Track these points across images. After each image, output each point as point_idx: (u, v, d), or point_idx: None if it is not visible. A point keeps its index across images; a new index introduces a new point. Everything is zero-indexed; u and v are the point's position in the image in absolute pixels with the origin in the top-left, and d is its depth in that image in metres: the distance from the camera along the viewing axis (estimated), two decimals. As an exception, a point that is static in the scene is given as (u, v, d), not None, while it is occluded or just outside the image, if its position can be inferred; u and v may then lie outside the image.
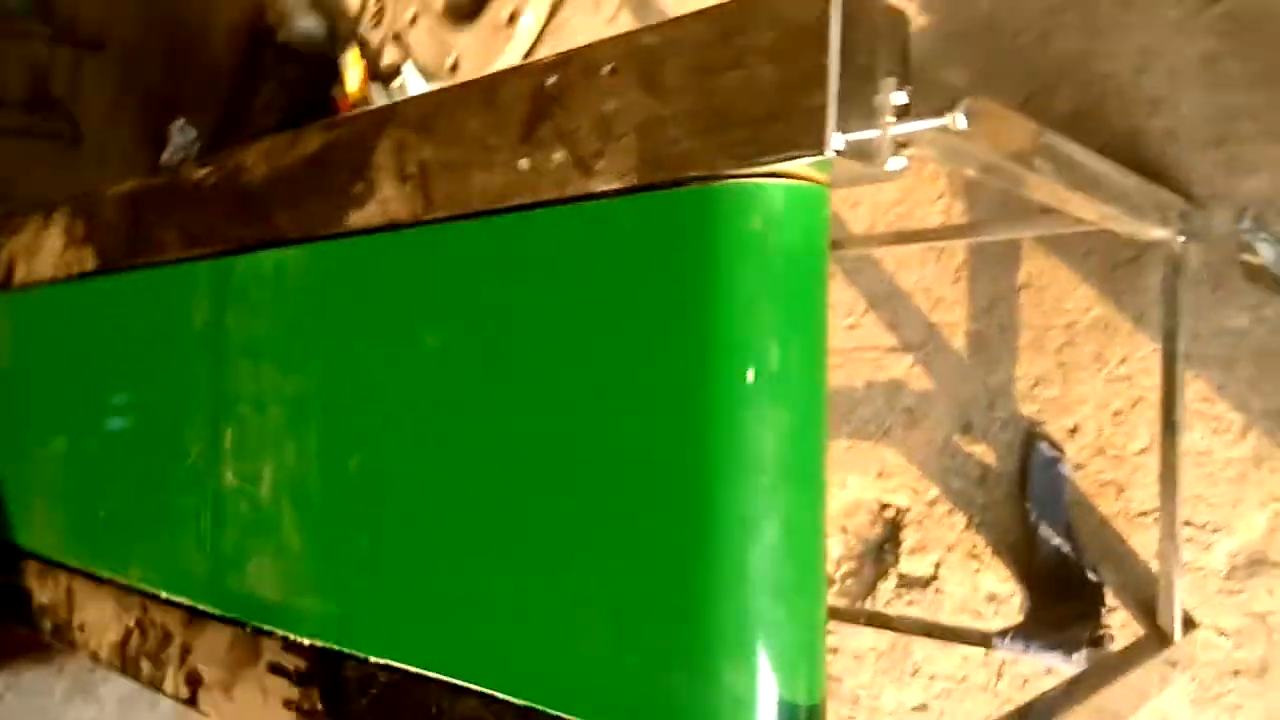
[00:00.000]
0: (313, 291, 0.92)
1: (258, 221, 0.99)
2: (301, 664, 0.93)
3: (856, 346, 1.63)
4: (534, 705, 0.73)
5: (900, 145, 0.62)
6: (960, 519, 1.52)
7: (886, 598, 1.60)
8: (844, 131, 0.58)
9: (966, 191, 1.52)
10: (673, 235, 0.65)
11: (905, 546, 1.58)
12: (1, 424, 1.48)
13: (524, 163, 0.74)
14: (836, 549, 1.66)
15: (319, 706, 0.91)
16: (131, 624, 1.16)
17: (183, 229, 1.10)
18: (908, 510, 1.58)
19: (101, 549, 1.21)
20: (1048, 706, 0.97)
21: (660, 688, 0.66)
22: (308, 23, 2.70)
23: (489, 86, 0.76)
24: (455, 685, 0.79)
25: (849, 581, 1.64)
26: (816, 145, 0.58)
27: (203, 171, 1.08)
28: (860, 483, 1.62)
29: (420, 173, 0.82)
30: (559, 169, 0.71)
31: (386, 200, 0.86)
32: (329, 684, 0.91)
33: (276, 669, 0.96)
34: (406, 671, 0.83)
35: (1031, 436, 1.44)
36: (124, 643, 1.18)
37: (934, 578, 1.55)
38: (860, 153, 0.60)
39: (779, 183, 0.62)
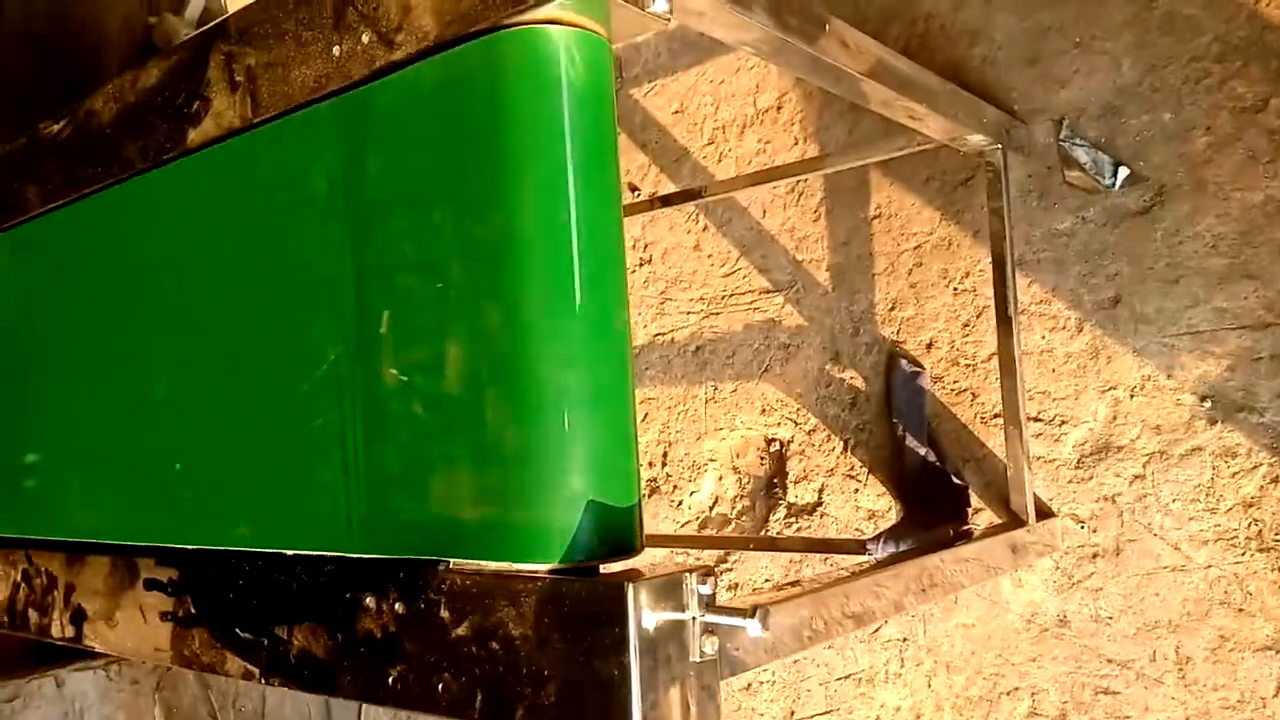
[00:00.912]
0: (164, 213, 0.96)
1: (108, 158, 1.03)
2: (174, 574, 0.96)
3: (733, 293, 1.70)
4: (377, 555, 0.77)
5: (659, -12, 0.69)
6: (837, 444, 1.59)
7: (778, 529, 1.66)
8: (601, -29, 0.65)
9: (818, 135, 1.61)
10: (469, 83, 0.70)
11: (791, 477, 1.64)
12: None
13: (336, 50, 0.79)
14: (730, 489, 1.72)
15: (193, 610, 0.94)
16: (18, 577, 1.17)
17: (42, 184, 1.13)
18: (790, 442, 1.64)
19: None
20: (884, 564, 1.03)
21: (486, 516, 0.71)
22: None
23: (303, -14, 0.82)
24: (311, 557, 0.83)
25: (744, 519, 1.70)
26: (578, -18, 0.64)
27: (57, 125, 1.12)
28: (747, 421, 1.69)
29: (247, 79, 0.87)
30: (366, 49, 0.77)
31: (220, 113, 0.90)
32: (200, 586, 0.93)
33: (151, 584, 0.98)
34: (267, 554, 0.87)
35: (893, 356, 1.52)
36: (11, 599, 1.18)
37: (819, 503, 1.61)
38: (621, -8, 0.66)
39: (559, 29, 0.69)
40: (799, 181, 1.61)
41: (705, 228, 1.75)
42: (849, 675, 1.58)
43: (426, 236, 0.72)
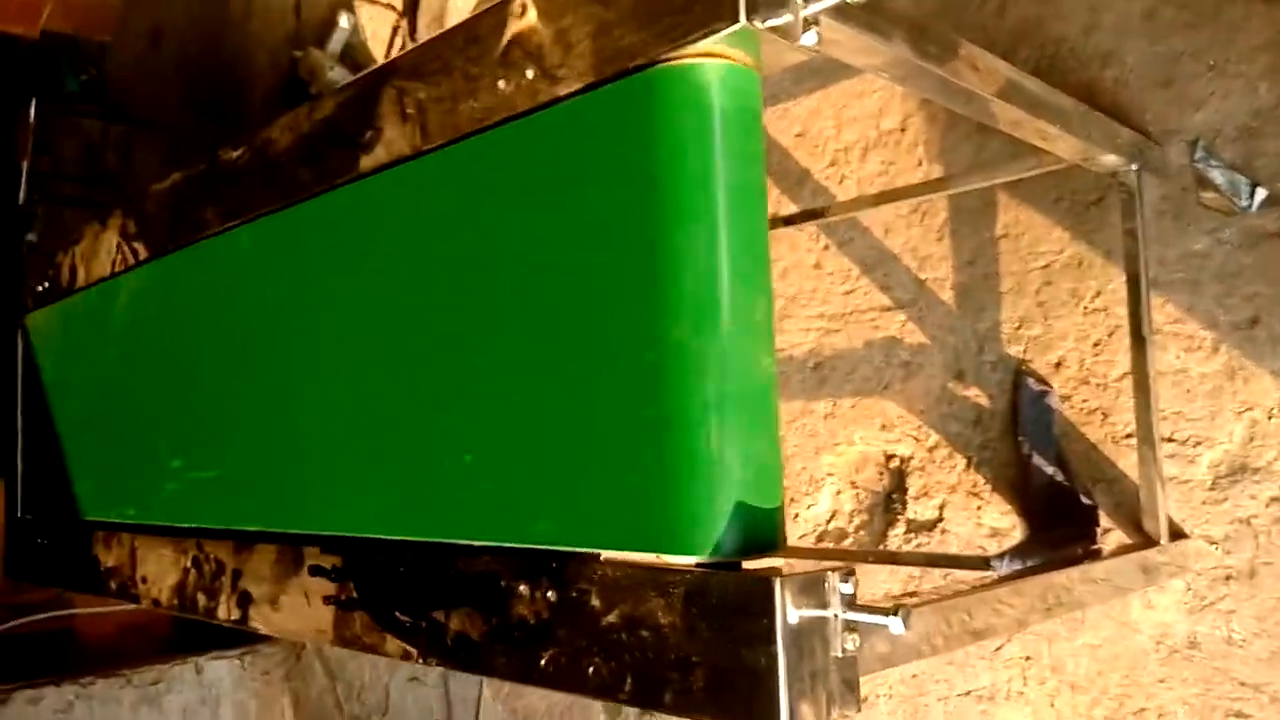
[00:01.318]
0: (337, 232, 1.05)
1: (285, 182, 1.13)
2: (338, 561, 1.05)
3: (853, 310, 1.72)
4: (534, 546, 0.83)
5: (810, 23, 0.74)
6: (960, 461, 1.59)
7: (896, 545, 1.67)
8: (752, 10, 0.70)
9: (943, 156, 1.63)
10: (626, 117, 0.77)
11: (911, 493, 1.66)
12: (66, 413, 1.63)
13: (502, 84, 0.87)
14: (847, 504, 1.74)
15: (355, 595, 1.02)
16: (188, 564, 1.28)
17: (220, 205, 1.25)
18: (911, 458, 1.65)
19: (164, 502, 1.34)
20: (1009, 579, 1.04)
21: (640, 512, 0.76)
22: (336, 74, 2.90)
23: (469, 26, 0.90)
24: (468, 546, 0.90)
25: (861, 534, 1.72)
26: (732, 18, 0.70)
27: (235, 153, 1.23)
28: (865, 436, 1.71)
29: (418, 110, 0.96)
30: (530, 84, 0.84)
31: (391, 141, 0.99)
32: (362, 572, 1.01)
33: (316, 570, 1.07)
34: (426, 544, 0.94)
35: (1019, 375, 1.52)
36: (182, 584, 1.30)
37: (939, 520, 1.62)
38: (773, 27, 0.71)
39: (712, 62, 0.74)
40: (922, 202, 1.63)
41: (826, 246, 1.78)
42: (969, 692, 1.58)
43: (584, 254, 0.79)
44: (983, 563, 1.41)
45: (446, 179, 0.92)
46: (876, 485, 1.70)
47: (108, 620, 3.19)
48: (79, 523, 1.56)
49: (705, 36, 0.71)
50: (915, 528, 1.65)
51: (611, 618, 0.77)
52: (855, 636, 0.71)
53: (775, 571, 0.69)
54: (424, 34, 2.64)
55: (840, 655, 0.71)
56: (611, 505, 0.77)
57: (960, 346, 1.59)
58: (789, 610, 0.68)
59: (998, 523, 1.55)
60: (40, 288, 1.72)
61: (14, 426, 1.82)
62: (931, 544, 1.63)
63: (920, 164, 1.65)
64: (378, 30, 2.86)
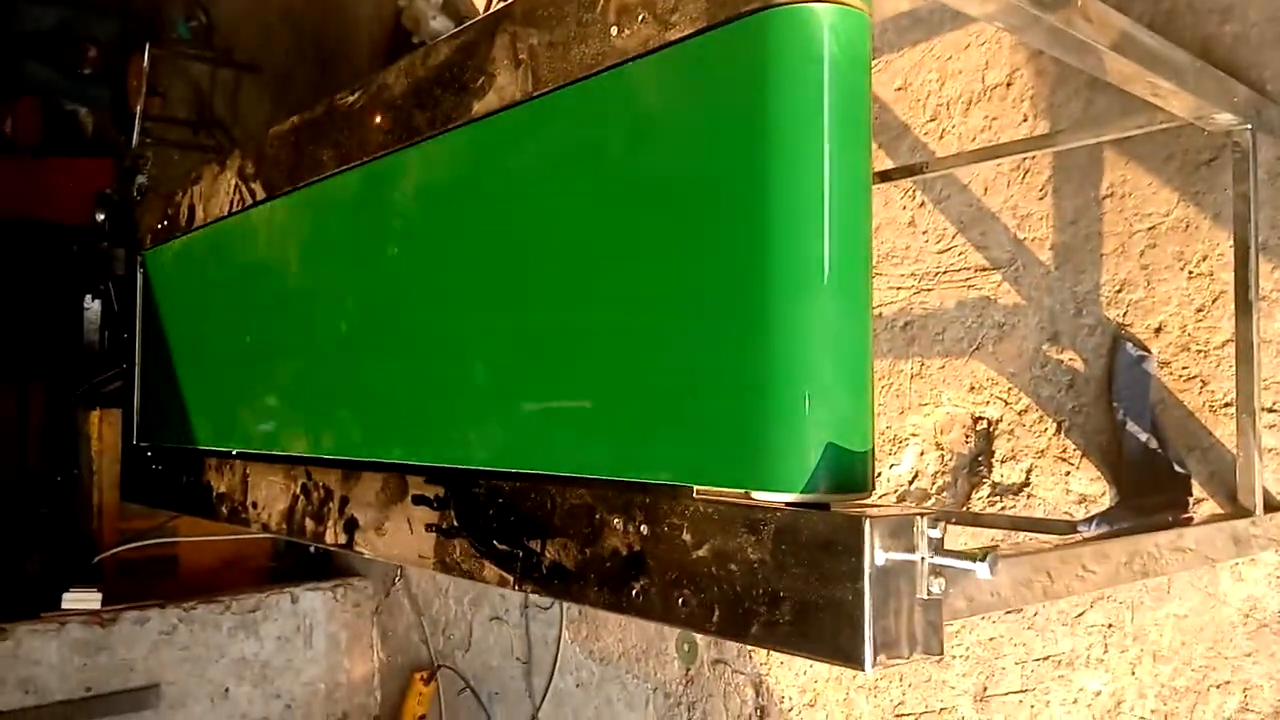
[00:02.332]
0: (449, 175, 1.09)
1: (399, 127, 1.17)
2: (440, 490, 1.10)
3: (946, 269, 1.71)
4: (627, 478, 0.87)
5: (922, -29, 0.74)
6: (1050, 425, 1.58)
7: (980, 507, 1.66)
8: (868, -45, 0.70)
9: (1050, 112, 1.59)
10: (737, 60, 0.78)
11: (997, 456, 1.65)
12: (181, 346, 1.73)
13: (614, 30, 0.88)
14: (931, 465, 1.74)
15: (455, 523, 1.07)
16: (297, 490, 1.36)
17: (337, 148, 1.29)
18: (999, 421, 1.64)
19: (274, 432, 1.41)
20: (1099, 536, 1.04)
21: (734, 450, 0.79)
22: (439, 24, 2.94)
23: (584, -27, 0.91)
24: (564, 478, 0.94)
25: (944, 496, 1.72)
26: (845, -36, 0.70)
27: (352, 97, 1.27)
28: (953, 398, 1.70)
29: (530, 57, 0.98)
30: (642, 29, 0.86)
31: (503, 86, 1.02)
32: (463, 502, 1.06)
33: (419, 500, 1.12)
34: (524, 475, 0.98)
35: (1118, 339, 1.49)
36: (291, 509, 1.37)
37: (1026, 484, 1.61)
38: (884, -26, 0.72)
39: (824, 6, 0.75)
40: (1025, 159, 1.60)
41: (921, 204, 1.76)
42: (1048, 656, 1.58)
43: (692, 198, 0.81)
44: (1069, 527, 1.41)
45: (556, 123, 0.95)
46: (962, 447, 1.70)
47: (209, 549, 3.37)
48: (192, 451, 1.65)
49: (819, -17, 0.72)
50: (1000, 491, 1.64)
51: (702, 552, 0.80)
52: (941, 581, 0.73)
53: (864, 512, 0.71)
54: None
55: (925, 598, 0.73)
56: (707, 443, 0.80)
57: (1057, 308, 1.57)
58: (876, 551, 0.70)
59: (1087, 489, 1.54)
60: (159, 225, 1.81)
61: (131, 359, 1.92)
62: (1017, 508, 1.62)
63: (1025, 119, 1.61)
64: (478, -19, 2.89)
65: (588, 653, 2.53)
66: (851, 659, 0.69)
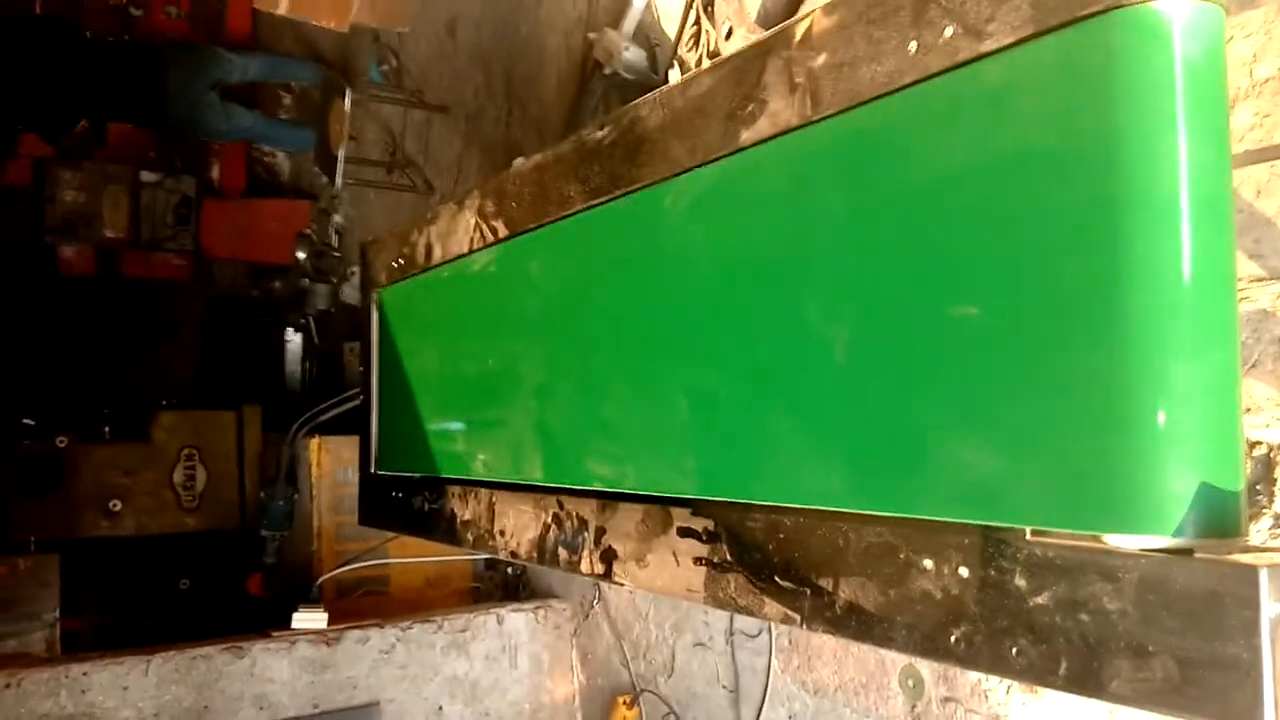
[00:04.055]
0: (715, 205, 1.07)
1: (655, 160, 1.17)
2: (710, 524, 1.08)
3: (1212, 280, 1.57)
4: (948, 519, 0.82)
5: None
6: (1347, 449, 1.42)
7: (1261, 540, 1.51)
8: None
9: (1334, 105, 1.44)
10: (1077, 68, 0.72)
11: (1281, 484, 1.50)
12: (419, 379, 1.79)
13: (912, 45, 0.84)
14: (1200, 492, 1.60)
15: (729, 558, 1.05)
16: (549, 520, 1.37)
17: (586, 183, 1.31)
18: (1282, 445, 1.49)
19: (524, 463, 1.44)
20: None
21: (1081, 488, 0.73)
22: (631, 54, 2.97)
23: (874, -11, 0.88)
24: (854, 515, 0.90)
25: (1216, 525, 1.58)
26: (1215, -45, 0.64)
27: (601, 132, 1.28)
28: (1224, 420, 1.56)
29: (808, 79, 0.95)
30: (949, 42, 0.81)
31: (776, 113, 0.99)
32: (736, 537, 1.04)
33: (686, 532, 1.11)
34: (810, 511, 0.95)
35: None
36: (542, 538, 1.39)
37: (1318, 514, 1.45)
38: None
39: (1177, 2, 0.68)
40: (1307, 158, 1.46)
41: (1179, 211, 1.63)
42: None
43: (1024, 215, 0.75)
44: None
45: (842, 147, 0.92)
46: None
47: (417, 571, 3.50)
48: (433, 479, 1.71)
49: (1179, -20, 0.66)
50: (1286, 521, 1.49)
51: (1040, 599, 0.74)
52: (1338, 636, 0.65)
53: (1258, 560, 0.64)
54: (720, 8, 2.65)
55: (1324, 654, 0.65)
56: (1047, 480, 0.74)
57: (1351, 321, 1.42)
58: (1270, 603, 0.63)
59: (1397, 520, 1.37)
60: (395, 264, 1.88)
61: (368, 391, 2.01)
62: (1306, 540, 1.47)
63: (1304, 116, 1.47)
64: (670, 7, 2.91)
65: (800, 684, 2.47)
66: (1248, 723, 0.62)
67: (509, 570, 3.58)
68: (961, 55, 0.80)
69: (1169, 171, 0.68)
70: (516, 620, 3.23)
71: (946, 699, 2.05)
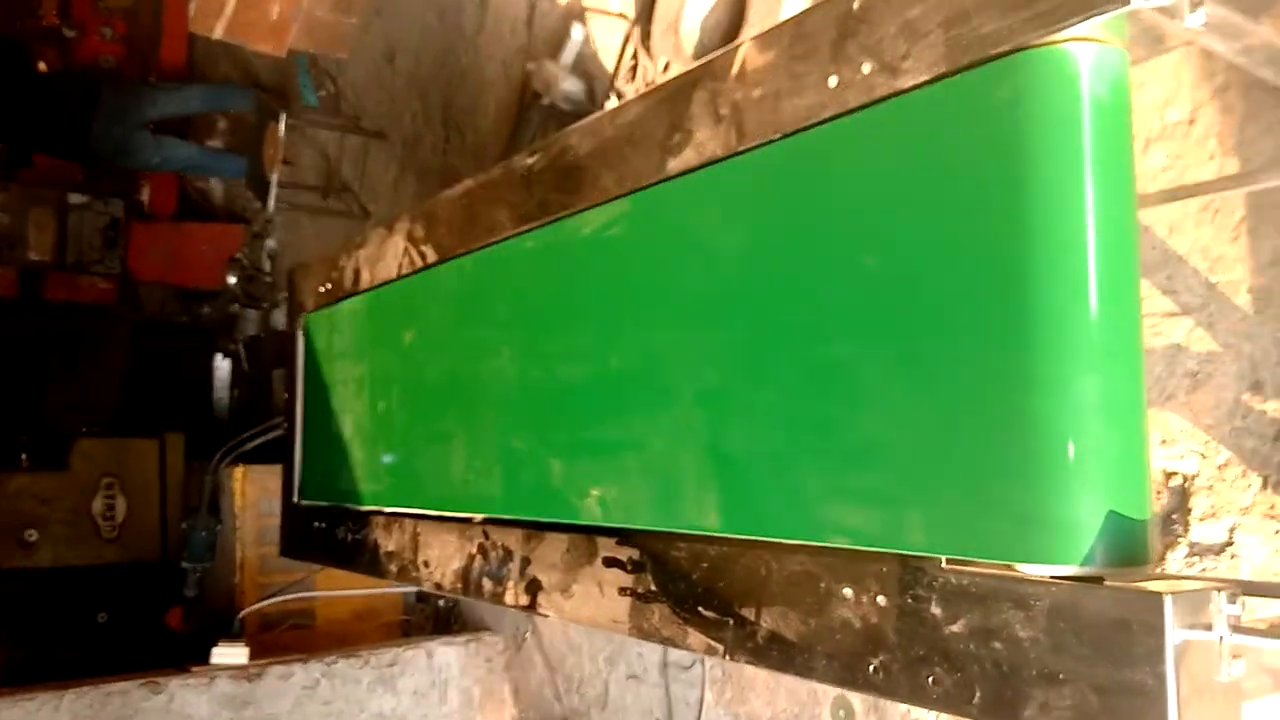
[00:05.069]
0: (642, 231, 1.08)
1: (585, 188, 1.16)
2: (635, 553, 1.07)
3: (1128, 315, 1.62)
4: (860, 547, 0.82)
5: (1197, 3, 0.69)
6: (1255, 480, 1.47)
7: (1177, 569, 1.55)
8: (1139, -10, 0.66)
9: (1239, 150, 1.50)
10: (986, 106, 0.74)
11: (1195, 514, 1.54)
12: (344, 407, 1.75)
13: (832, 80, 0.86)
14: (1118, 522, 1.63)
15: (652, 588, 1.04)
16: (474, 550, 1.34)
17: (514, 209, 1.30)
18: (1195, 476, 1.54)
19: (447, 494, 1.41)
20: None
21: (993, 518, 0.73)
22: (569, 85, 2.98)
23: (796, 24, 0.89)
24: (776, 544, 0.89)
25: (1134, 555, 1.61)
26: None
27: (531, 159, 1.28)
28: (1140, 451, 1.60)
29: (733, 111, 0.96)
30: (866, 79, 0.83)
31: (702, 143, 1.00)
32: (661, 567, 1.03)
33: (611, 562, 1.10)
34: (733, 540, 0.94)
35: (1333, 387, 1.38)
36: (466, 569, 1.36)
37: (1229, 543, 1.49)
38: (1160, 8, 0.67)
39: (1081, 45, 0.71)
40: (1214, 199, 1.51)
41: (1097, 247, 1.68)
42: (1263, 733, 1.45)
43: (936, 248, 0.77)
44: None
45: (765, 178, 0.92)
46: (1154, 505, 1.59)
47: (344, 604, 3.41)
48: (357, 510, 1.67)
49: (1084, 19, 0.68)
50: (1200, 550, 1.53)
51: (955, 627, 0.75)
52: (1242, 662, 0.66)
53: (1162, 587, 0.65)
54: (658, 42, 2.68)
55: (1225, 680, 0.66)
56: (962, 511, 0.75)
57: (1259, 355, 1.47)
58: (1175, 630, 0.64)
59: (1303, 549, 1.42)
60: (322, 289, 1.85)
61: (292, 419, 1.97)
62: (1218, 569, 1.51)
63: (1212, 158, 1.53)
64: (608, 40, 2.93)
65: (733, 715, 2.46)
66: (1156, 750, 0.63)
67: (441, 602, 3.51)
68: (879, 91, 0.81)
69: (1076, 207, 0.70)
70: (447, 654, 3.17)
71: (876, 729, 2.05)
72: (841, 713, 2.13)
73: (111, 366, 4.86)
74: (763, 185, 0.93)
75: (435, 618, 3.53)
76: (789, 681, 2.32)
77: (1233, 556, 1.49)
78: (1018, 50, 0.72)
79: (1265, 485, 1.46)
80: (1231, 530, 1.49)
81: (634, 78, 2.88)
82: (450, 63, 3.88)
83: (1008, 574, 0.72)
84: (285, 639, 3.22)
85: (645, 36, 2.72)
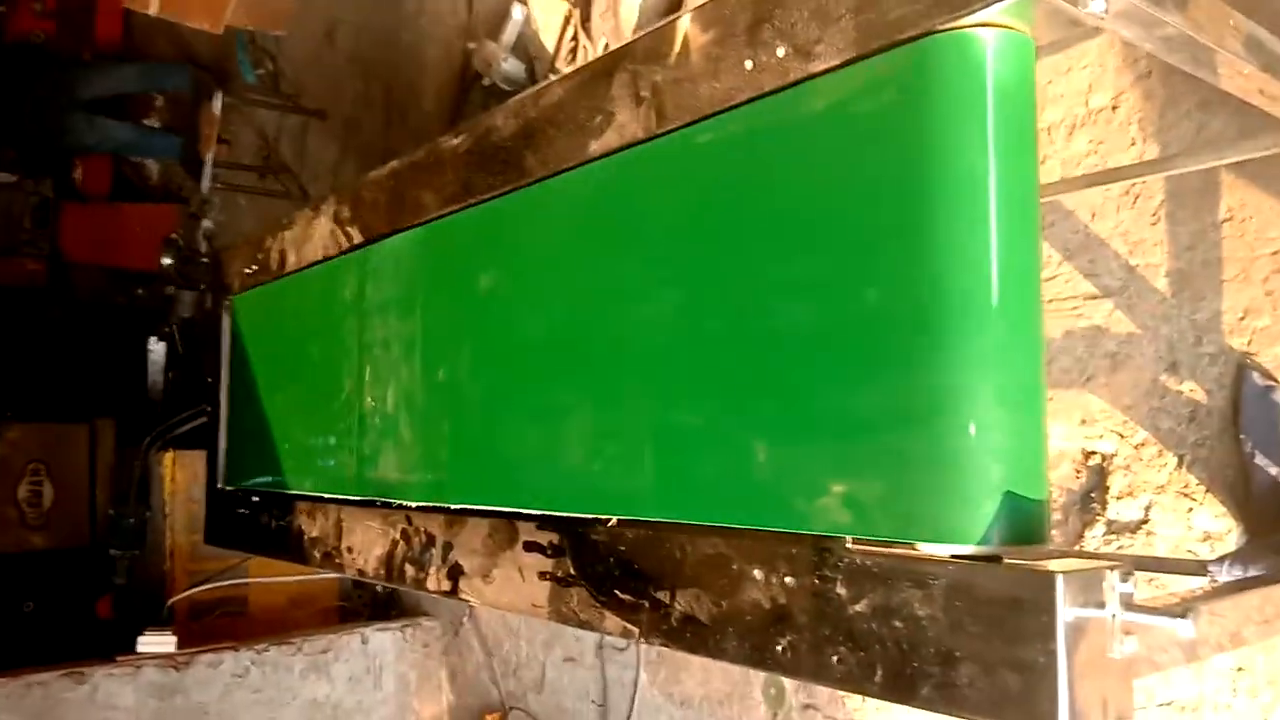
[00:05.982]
0: (567, 212, 1.07)
1: (509, 169, 1.15)
2: (555, 537, 1.06)
3: (1054, 297, 1.65)
4: (771, 529, 0.82)
5: (1094, -9, 0.70)
6: (1170, 459, 1.51)
7: (1094, 546, 1.59)
8: (1041, -24, 0.67)
9: (1160, 135, 1.53)
10: (895, 90, 0.74)
11: (1113, 493, 1.57)
12: (269, 391, 1.72)
13: (748, 64, 0.85)
14: (1039, 502, 1.67)
15: (571, 571, 1.03)
16: (396, 536, 1.33)
17: (440, 191, 1.28)
18: (1114, 455, 1.57)
19: (371, 478, 1.39)
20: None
21: (896, 499, 0.74)
22: (510, 65, 2.95)
23: (713, 7, 0.89)
24: (694, 526, 0.90)
25: (1054, 534, 1.64)
26: (1019, -14, 0.67)
27: (456, 140, 1.26)
28: (1063, 432, 1.63)
29: (653, 93, 0.95)
30: (781, 62, 0.83)
31: (623, 125, 0.99)
32: (580, 550, 1.03)
33: (531, 546, 1.09)
34: (652, 524, 0.94)
35: (1242, 369, 1.42)
36: (390, 555, 1.35)
37: (1144, 521, 1.53)
38: (1060, -5, 0.68)
39: (987, 30, 0.71)
40: (1135, 184, 1.54)
41: (1022, 233, 1.70)
42: (1171, 702, 1.50)
43: (844, 232, 0.77)
44: (1199, 567, 1.33)
45: (685, 160, 0.92)
46: (1072, 483, 1.63)
47: (279, 590, 3.36)
48: (280, 495, 1.64)
49: (989, 5, 0.69)
50: (1117, 529, 1.57)
51: (859, 607, 0.76)
52: (1134, 638, 0.68)
53: (1053, 566, 0.66)
54: (597, 24, 2.66)
55: (1118, 657, 0.67)
56: (865, 491, 0.76)
57: (1175, 337, 1.50)
58: (1067, 607, 0.65)
59: (1211, 526, 1.46)
60: (248, 270, 1.81)
61: (216, 403, 1.93)
62: (1135, 546, 1.55)
63: (1134, 143, 1.56)
64: (548, 21, 2.90)
65: (667, 695, 2.47)
66: (1046, 726, 0.64)
67: (379, 588, 3.48)
68: (792, 75, 0.81)
69: (980, 191, 0.71)
70: (382, 639, 3.14)
71: (806, 705, 2.08)
72: (772, 690, 2.15)
73: (39, 350, 4.72)
74: (682, 168, 0.92)
75: (373, 603, 3.50)
76: (721, 662, 2.34)
77: (1148, 534, 1.53)
78: (925, 35, 0.72)
79: (1180, 464, 1.50)
80: (1147, 509, 1.53)
81: (574, 59, 2.85)
82: (392, 42, 3.82)
83: (909, 554, 0.73)
84: (217, 626, 3.17)
85: (585, 18, 2.69)
